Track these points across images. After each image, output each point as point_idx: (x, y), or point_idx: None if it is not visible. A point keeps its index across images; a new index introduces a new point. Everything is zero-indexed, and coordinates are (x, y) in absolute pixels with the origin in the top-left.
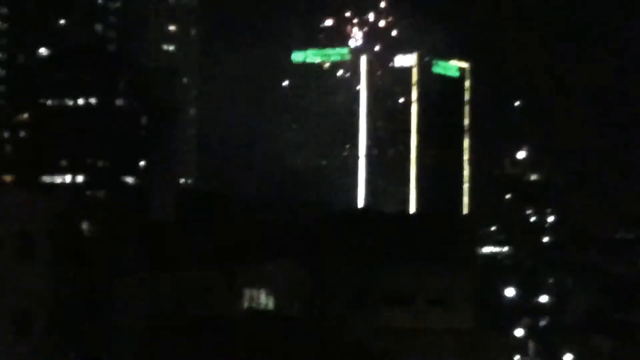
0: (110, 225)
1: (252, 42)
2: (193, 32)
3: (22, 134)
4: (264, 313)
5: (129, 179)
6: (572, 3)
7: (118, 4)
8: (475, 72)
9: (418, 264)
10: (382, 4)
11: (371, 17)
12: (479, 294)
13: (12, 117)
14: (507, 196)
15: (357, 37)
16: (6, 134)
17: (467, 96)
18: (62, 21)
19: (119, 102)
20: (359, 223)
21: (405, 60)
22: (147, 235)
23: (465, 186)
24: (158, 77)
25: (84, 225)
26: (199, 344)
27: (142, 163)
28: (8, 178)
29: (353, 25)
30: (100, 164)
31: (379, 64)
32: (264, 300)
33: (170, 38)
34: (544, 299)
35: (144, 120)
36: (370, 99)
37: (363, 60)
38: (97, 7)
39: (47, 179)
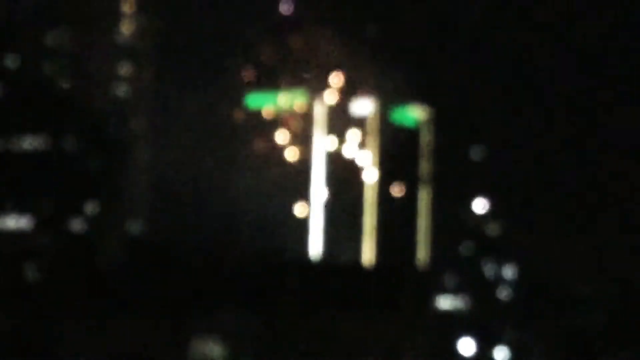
0: (56, 272)
1: (206, 85)
2: (146, 74)
3: None
4: None
5: (76, 224)
6: (531, 50)
7: (69, 44)
8: (433, 120)
9: (372, 316)
10: (339, 48)
11: (328, 62)
12: (434, 347)
13: None
14: (465, 248)
15: (313, 82)
16: None
17: (425, 145)
18: (10, 60)
19: (68, 144)
20: (312, 272)
21: (363, 106)
22: (94, 283)
23: (422, 237)
24: (108, 119)
25: (29, 271)
26: None
27: (90, 207)
28: None
29: (309, 70)
30: (46, 207)
31: (335, 110)
32: (214, 349)
33: (122, 80)
34: (500, 353)
35: (93, 163)
36: (325, 146)
37: (318, 105)
38: (47, 47)
39: None
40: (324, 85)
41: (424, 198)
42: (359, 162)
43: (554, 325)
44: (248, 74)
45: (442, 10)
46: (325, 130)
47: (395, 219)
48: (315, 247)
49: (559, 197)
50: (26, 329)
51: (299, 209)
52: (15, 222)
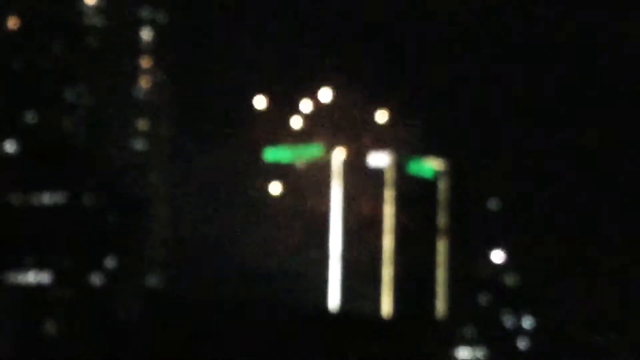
0: (76, 325)
1: (224, 139)
2: (163, 129)
3: None
4: None
5: (95, 279)
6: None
7: (86, 100)
8: (450, 172)
9: None
10: (357, 102)
11: (345, 115)
12: None
13: None
14: (483, 298)
15: (330, 135)
16: None
17: (442, 196)
18: (30, 116)
19: (86, 199)
20: (331, 325)
21: (379, 159)
22: (113, 336)
23: (440, 288)
24: (127, 174)
25: (49, 325)
26: None
27: (108, 262)
28: None
29: (326, 123)
30: (66, 262)
31: (352, 162)
32: None
33: (140, 135)
34: None
35: (111, 218)
36: (343, 198)
37: (336, 158)
38: (66, 103)
39: (11, 277)
40: (342, 138)
41: (441, 249)
42: (376, 214)
43: None
44: (266, 128)
45: (458, 64)
46: (342, 182)
47: (414, 270)
48: (334, 298)
49: (576, 248)
50: None
51: (317, 261)
52: (35, 276)
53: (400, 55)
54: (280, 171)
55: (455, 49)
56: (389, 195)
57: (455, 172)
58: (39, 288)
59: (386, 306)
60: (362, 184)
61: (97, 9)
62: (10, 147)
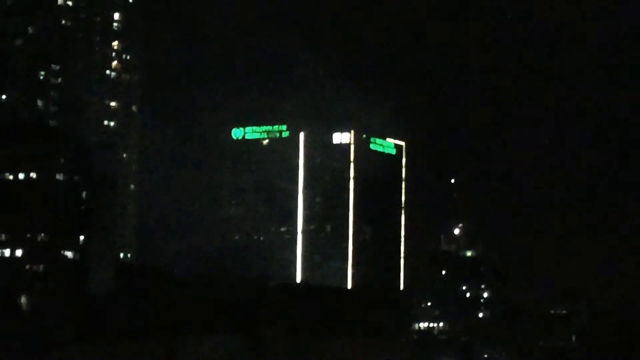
0: (49, 298)
1: (192, 119)
2: (134, 108)
3: None
4: None
5: (68, 253)
6: (500, 88)
7: (60, 80)
8: (411, 150)
9: (355, 338)
10: (321, 83)
11: (309, 95)
12: None
13: None
14: (443, 272)
15: (295, 115)
16: None
17: (403, 173)
18: (3, 96)
19: (59, 176)
20: (297, 297)
21: (343, 137)
22: (85, 309)
23: (402, 261)
24: (98, 152)
25: (23, 299)
26: None
27: (81, 237)
28: None
29: (292, 103)
30: (39, 237)
31: (317, 141)
32: None
33: (111, 114)
34: None
35: (83, 194)
36: (308, 175)
37: (301, 137)
38: (39, 83)
39: None
40: (307, 117)
41: (403, 223)
42: (341, 190)
43: (528, 346)
44: (234, 108)
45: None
46: (308, 159)
47: (377, 244)
48: (300, 272)
49: (532, 221)
50: (22, 353)
51: (283, 235)
52: (9, 251)
53: (365, 44)
54: (248, 149)
55: (415, 36)
56: (352, 172)
57: (416, 150)
58: (13, 262)
59: (350, 278)
60: (327, 161)
61: None
62: None
